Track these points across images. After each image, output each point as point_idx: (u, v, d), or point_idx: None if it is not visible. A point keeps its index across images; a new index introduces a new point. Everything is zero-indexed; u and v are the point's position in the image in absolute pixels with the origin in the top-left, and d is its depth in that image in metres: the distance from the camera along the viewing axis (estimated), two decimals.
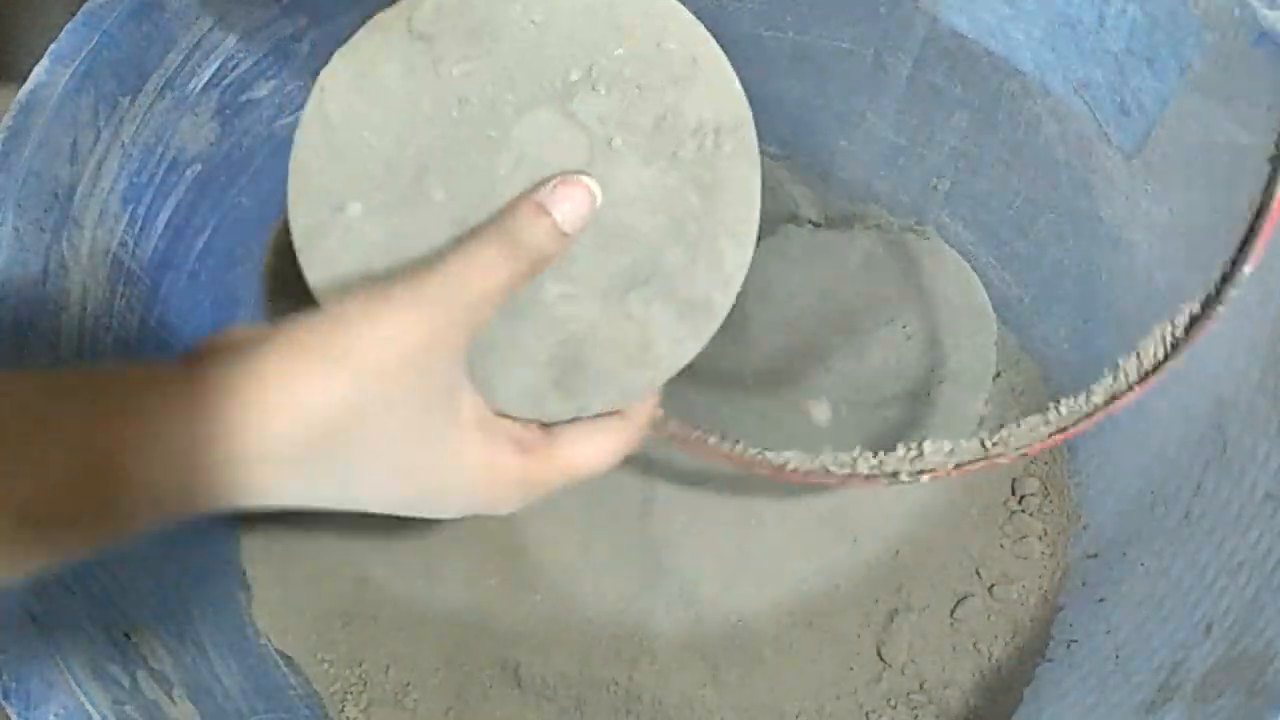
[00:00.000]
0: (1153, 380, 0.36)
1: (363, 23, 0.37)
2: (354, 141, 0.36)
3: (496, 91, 0.35)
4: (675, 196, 0.35)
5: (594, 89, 0.35)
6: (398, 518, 0.34)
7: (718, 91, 0.35)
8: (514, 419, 0.36)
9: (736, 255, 0.36)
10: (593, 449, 0.36)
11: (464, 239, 0.33)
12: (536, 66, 0.35)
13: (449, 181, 0.35)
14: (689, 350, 0.37)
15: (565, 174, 0.35)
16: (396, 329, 0.30)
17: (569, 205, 0.34)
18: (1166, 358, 0.36)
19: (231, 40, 0.49)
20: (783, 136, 0.63)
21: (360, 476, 0.31)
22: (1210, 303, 0.35)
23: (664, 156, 0.35)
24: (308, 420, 0.29)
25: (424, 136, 0.35)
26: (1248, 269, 0.34)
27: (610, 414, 0.37)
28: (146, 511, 0.28)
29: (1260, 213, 0.33)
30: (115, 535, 0.28)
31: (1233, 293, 0.35)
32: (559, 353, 0.36)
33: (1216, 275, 0.35)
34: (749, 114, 0.35)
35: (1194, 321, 0.36)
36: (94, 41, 0.45)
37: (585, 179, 0.35)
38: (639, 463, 0.57)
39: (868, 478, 0.40)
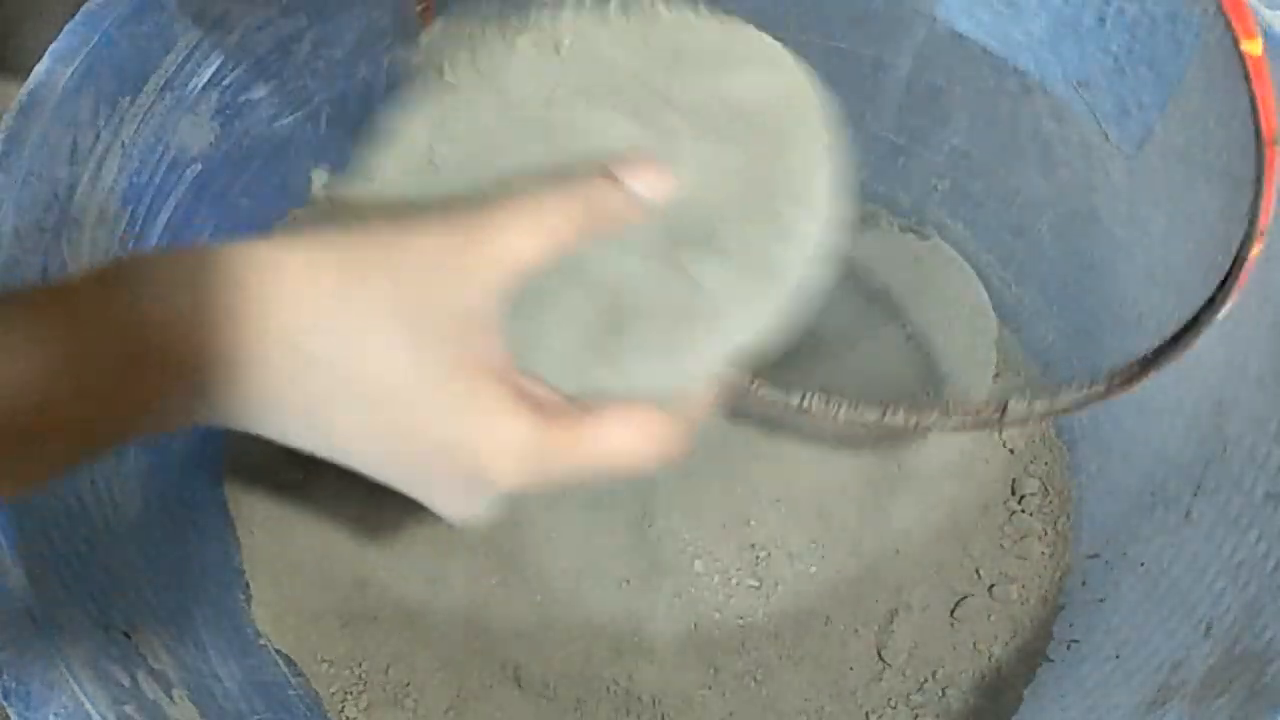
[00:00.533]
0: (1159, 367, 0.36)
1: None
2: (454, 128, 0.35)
3: (563, 100, 0.34)
4: (734, 168, 0.34)
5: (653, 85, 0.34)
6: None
7: (774, 66, 0.35)
8: (544, 385, 0.31)
9: (802, 220, 0.33)
10: (629, 434, 0.30)
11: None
12: (596, 77, 0.34)
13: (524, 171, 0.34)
14: (757, 314, 0.32)
15: (637, 153, 0.33)
16: (432, 249, 0.28)
17: (643, 179, 0.32)
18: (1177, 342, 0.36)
19: (232, 40, 0.49)
20: None
21: (350, 391, 0.28)
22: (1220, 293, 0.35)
23: (722, 132, 0.34)
24: (314, 314, 0.27)
25: (502, 139, 0.34)
26: (1254, 252, 0.34)
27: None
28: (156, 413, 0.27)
29: (1255, 201, 0.33)
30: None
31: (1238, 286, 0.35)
32: (603, 312, 0.32)
33: (1228, 259, 0.35)
34: (807, 82, 0.34)
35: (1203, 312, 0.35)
36: (94, 41, 0.45)
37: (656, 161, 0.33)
38: None
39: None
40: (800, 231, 0.33)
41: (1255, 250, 0.33)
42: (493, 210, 0.29)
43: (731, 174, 0.34)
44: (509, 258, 0.29)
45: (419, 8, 0.40)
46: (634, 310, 0.32)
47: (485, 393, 0.28)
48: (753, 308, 0.32)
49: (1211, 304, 0.35)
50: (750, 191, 0.34)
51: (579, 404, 0.31)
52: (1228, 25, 0.28)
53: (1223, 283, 0.35)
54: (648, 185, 0.32)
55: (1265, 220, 0.32)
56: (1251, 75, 0.29)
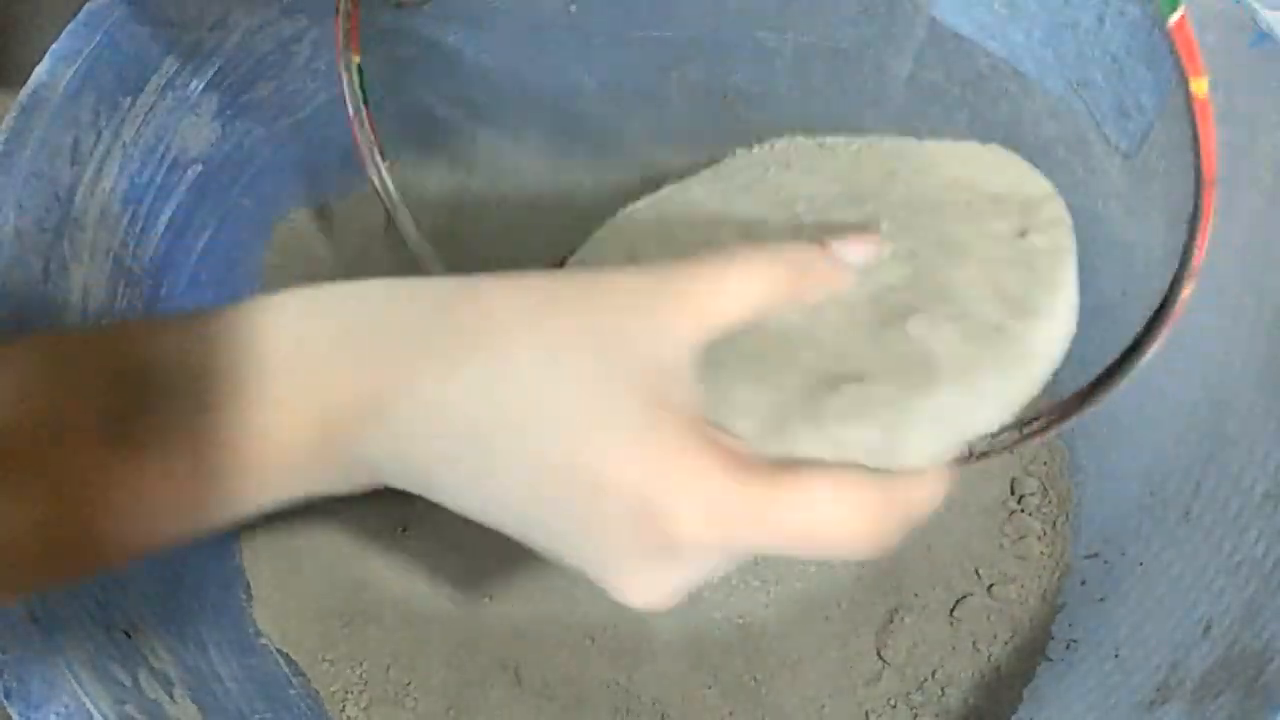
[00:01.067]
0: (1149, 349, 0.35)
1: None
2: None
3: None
4: (969, 245, 0.32)
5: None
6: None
7: (1022, 175, 0.34)
8: (740, 443, 0.27)
9: (1044, 298, 0.30)
10: (837, 503, 0.25)
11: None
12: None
13: None
14: (993, 389, 0.28)
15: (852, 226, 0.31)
16: (627, 292, 0.26)
17: (853, 246, 0.30)
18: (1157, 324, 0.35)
19: (232, 41, 0.50)
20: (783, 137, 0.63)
21: (526, 424, 0.24)
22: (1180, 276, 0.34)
23: (951, 213, 0.33)
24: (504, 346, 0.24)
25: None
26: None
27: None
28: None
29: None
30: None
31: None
32: (810, 372, 0.29)
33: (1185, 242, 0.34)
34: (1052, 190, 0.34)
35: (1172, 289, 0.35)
36: (95, 42, 0.45)
37: (872, 235, 0.31)
38: None
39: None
40: (1044, 308, 0.30)
41: (1187, 291, 0.32)
42: (697, 262, 0.27)
43: (966, 252, 0.31)
44: (709, 311, 0.26)
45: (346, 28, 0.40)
46: (849, 372, 0.28)
47: (677, 436, 0.25)
48: (987, 381, 0.28)
49: (1138, 346, 0.33)
50: (989, 267, 0.31)
51: (782, 465, 0.26)
52: (1177, 62, 0.27)
53: (1150, 323, 0.33)
54: (859, 254, 0.30)
55: (1198, 260, 0.31)
56: (1197, 116, 0.28)
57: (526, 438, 0.24)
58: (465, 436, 0.25)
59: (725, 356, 0.28)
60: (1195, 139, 0.29)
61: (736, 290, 0.27)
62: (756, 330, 0.28)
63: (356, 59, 0.40)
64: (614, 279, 0.26)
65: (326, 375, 0.25)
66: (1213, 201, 0.30)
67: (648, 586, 0.26)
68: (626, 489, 0.24)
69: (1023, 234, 0.32)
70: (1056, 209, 0.33)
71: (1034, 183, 0.34)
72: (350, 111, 0.41)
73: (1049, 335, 0.30)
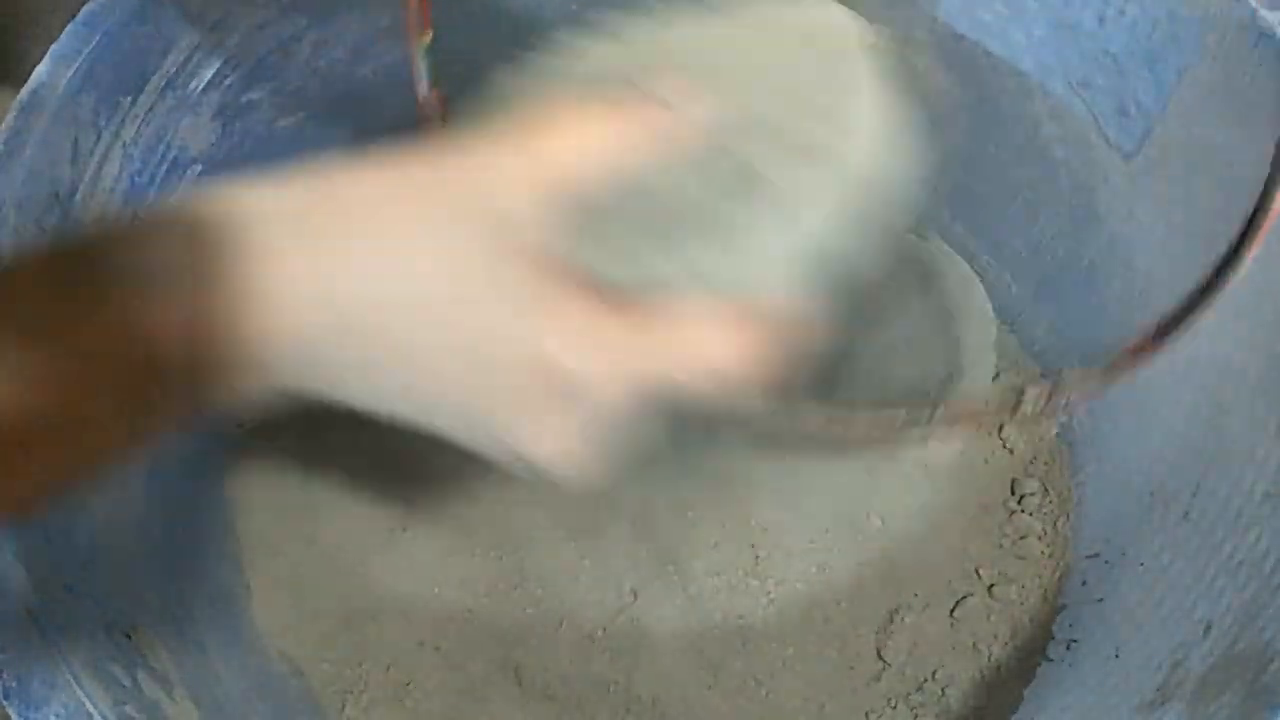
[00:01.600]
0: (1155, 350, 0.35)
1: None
2: None
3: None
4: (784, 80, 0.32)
5: None
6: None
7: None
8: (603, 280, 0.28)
9: (863, 115, 0.31)
10: (715, 330, 0.27)
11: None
12: None
13: None
14: (823, 199, 0.30)
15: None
16: (476, 161, 0.26)
17: (677, 88, 0.29)
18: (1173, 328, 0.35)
19: (232, 41, 0.49)
20: None
21: (397, 303, 0.25)
22: (1210, 288, 0.34)
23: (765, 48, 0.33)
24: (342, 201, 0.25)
25: None
26: (1249, 256, 0.33)
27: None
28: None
29: (1264, 199, 0.32)
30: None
31: (1233, 279, 0.34)
32: (659, 212, 0.29)
33: (1216, 261, 0.34)
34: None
35: (1193, 304, 0.35)
36: (95, 42, 0.45)
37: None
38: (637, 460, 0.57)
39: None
40: (863, 125, 0.31)
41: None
42: (536, 120, 0.27)
43: (784, 86, 0.32)
44: (548, 163, 0.27)
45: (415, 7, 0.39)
46: (693, 205, 0.29)
47: (547, 282, 0.25)
48: (817, 194, 0.30)
49: (1231, 259, 0.34)
50: (801, 96, 0.32)
51: (651, 302, 0.27)
52: None
53: (1245, 231, 0.33)
54: (682, 96, 0.29)
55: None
56: None
57: (398, 314, 0.25)
58: (342, 329, 0.25)
59: (593, 225, 0.29)
60: None
61: (574, 144, 0.27)
62: (620, 197, 0.29)
63: (427, 38, 0.39)
64: (461, 146, 0.27)
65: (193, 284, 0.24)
66: None
67: (558, 434, 0.26)
68: (506, 336, 0.25)
69: (822, 56, 0.33)
70: (850, 27, 0.33)
71: (834, 10, 0.34)
72: (419, 95, 0.40)
73: (862, 144, 0.31)
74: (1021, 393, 0.37)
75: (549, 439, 0.27)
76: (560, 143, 0.27)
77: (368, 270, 0.25)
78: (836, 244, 0.30)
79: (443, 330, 0.25)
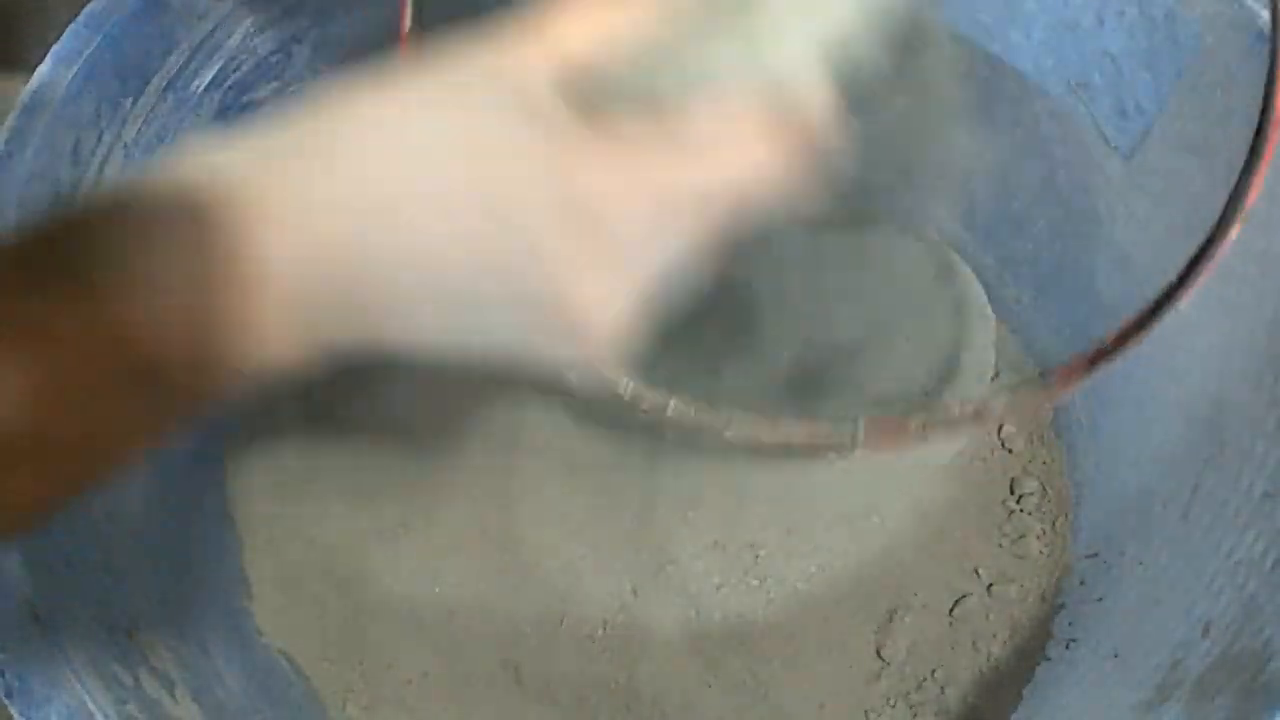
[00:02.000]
0: (1140, 336, 0.35)
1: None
2: None
3: None
4: None
5: None
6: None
7: None
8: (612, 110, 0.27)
9: None
10: (733, 135, 0.26)
11: None
12: None
13: None
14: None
15: None
16: (479, 54, 0.26)
17: None
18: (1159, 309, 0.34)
19: (233, 41, 0.50)
20: None
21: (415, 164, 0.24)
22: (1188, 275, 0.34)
23: None
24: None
25: None
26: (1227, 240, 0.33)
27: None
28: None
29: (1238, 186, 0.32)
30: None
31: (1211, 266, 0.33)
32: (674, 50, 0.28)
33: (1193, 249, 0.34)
34: None
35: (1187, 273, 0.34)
36: (96, 42, 0.45)
37: None
38: (638, 459, 0.57)
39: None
40: None
41: (1234, 231, 0.32)
42: (546, 15, 0.27)
43: None
44: (558, 43, 0.26)
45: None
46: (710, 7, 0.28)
47: (570, 134, 0.25)
48: None
49: (1176, 288, 0.33)
50: None
51: (674, 114, 0.27)
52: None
53: (1193, 262, 0.33)
54: None
55: (1251, 199, 0.31)
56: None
57: (416, 206, 0.24)
58: (358, 259, 0.24)
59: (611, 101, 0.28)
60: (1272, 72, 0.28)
61: (589, 30, 0.26)
62: (636, 70, 0.27)
63: None
64: (475, 41, 0.26)
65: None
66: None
67: (607, 296, 0.26)
68: (532, 190, 0.24)
69: None
70: None
71: None
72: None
73: None
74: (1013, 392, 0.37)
75: (599, 302, 0.26)
76: (575, 29, 0.27)
77: (367, 179, 0.24)
78: (854, 31, 0.29)
79: (467, 208, 0.24)
